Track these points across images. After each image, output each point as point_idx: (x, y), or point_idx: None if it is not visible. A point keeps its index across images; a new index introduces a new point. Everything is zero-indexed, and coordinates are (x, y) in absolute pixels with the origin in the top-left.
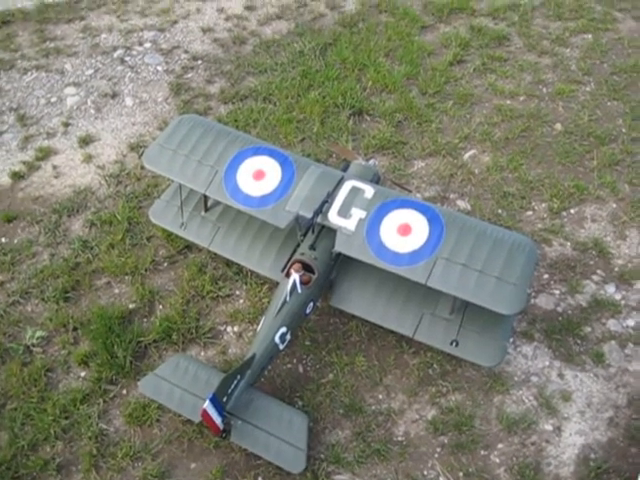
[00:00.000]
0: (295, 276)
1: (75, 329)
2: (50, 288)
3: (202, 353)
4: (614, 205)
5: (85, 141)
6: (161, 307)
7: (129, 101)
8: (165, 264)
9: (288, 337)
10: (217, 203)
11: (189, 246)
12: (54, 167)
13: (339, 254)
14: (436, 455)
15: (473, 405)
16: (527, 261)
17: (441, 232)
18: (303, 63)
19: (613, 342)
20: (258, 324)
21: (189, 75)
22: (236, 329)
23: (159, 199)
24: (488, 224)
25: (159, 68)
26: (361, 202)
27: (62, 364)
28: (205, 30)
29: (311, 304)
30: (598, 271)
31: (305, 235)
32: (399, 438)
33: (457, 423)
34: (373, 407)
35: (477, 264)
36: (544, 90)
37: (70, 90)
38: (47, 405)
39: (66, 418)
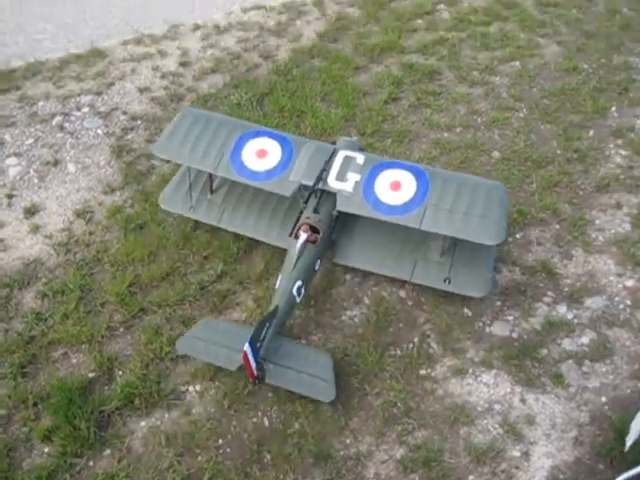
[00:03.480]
0: (304, 236)
1: (35, 404)
2: (6, 364)
3: (166, 415)
4: (557, 226)
5: (30, 211)
6: (121, 373)
7: (72, 167)
8: (121, 329)
9: (303, 290)
10: (222, 185)
11: (144, 309)
12: (1, 240)
13: (338, 217)
14: None
15: (440, 439)
16: (501, 200)
17: (427, 184)
18: (241, 115)
19: (570, 361)
20: (276, 281)
21: (130, 136)
22: (198, 388)
23: (166, 187)
24: (465, 175)
25: (99, 131)
26: (355, 167)
27: (24, 442)
28: (142, 90)
29: (318, 261)
30: (549, 293)
31: (307, 202)
32: None
33: (426, 459)
34: (342, 452)
35: (461, 207)
36: (479, 120)
37: (11, 161)
38: None
39: None
